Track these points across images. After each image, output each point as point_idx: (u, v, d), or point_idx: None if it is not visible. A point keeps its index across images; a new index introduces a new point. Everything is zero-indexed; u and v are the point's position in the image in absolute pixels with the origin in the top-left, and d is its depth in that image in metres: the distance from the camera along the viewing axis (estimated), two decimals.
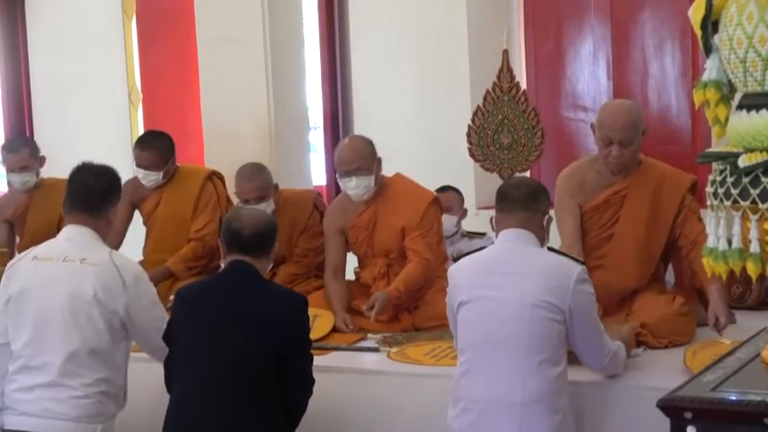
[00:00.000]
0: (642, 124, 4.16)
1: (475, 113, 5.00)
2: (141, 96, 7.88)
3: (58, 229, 3.81)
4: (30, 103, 8.15)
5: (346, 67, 7.46)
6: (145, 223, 5.44)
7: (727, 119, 2.80)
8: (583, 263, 3.44)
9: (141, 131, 7.38)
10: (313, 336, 3.71)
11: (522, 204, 3.40)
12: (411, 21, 7.00)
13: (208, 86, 6.38)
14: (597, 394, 3.53)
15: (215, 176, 5.40)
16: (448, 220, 5.29)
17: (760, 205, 2.64)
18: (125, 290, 3.54)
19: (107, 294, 3.52)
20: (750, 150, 2.68)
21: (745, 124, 2.71)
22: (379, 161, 4.64)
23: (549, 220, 3.50)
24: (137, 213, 5.45)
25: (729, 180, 2.69)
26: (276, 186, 5.00)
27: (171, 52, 7.61)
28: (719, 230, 2.74)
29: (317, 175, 7.32)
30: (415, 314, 4.60)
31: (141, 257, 5.26)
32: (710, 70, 2.82)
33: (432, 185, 5.06)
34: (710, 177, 2.79)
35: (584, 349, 3.39)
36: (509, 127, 4.93)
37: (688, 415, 2.57)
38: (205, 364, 3.37)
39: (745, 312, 4.41)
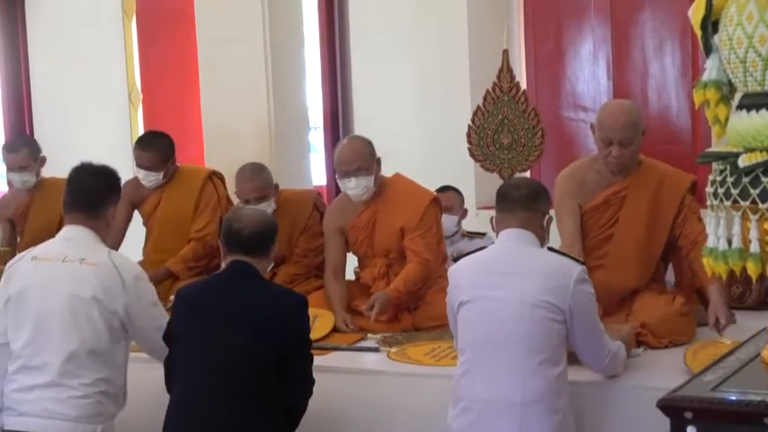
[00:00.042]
0: (642, 124, 4.16)
1: (475, 113, 4.99)
2: (141, 96, 7.88)
3: (59, 229, 3.80)
4: (30, 103, 8.14)
5: (346, 66, 7.45)
6: (145, 223, 5.44)
7: (727, 119, 2.80)
8: (583, 263, 3.44)
9: (141, 131, 7.39)
10: (313, 336, 3.71)
11: (522, 204, 3.40)
12: (411, 21, 6.99)
13: (208, 86, 6.38)
14: (597, 394, 3.52)
15: (215, 176, 5.40)
16: (448, 220, 5.28)
17: (760, 205, 2.64)
18: (124, 290, 3.54)
19: (106, 294, 3.52)
20: (750, 150, 2.68)
21: (745, 124, 2.71)
22: (378, 161, 4.64)
23: (550, 220, 3.50)
24: (137, 213, 5.45)
25: (729, 180, 2.69)
26: (276, 186, 5.00)
27: (171, 52, 7.61)
28: (719, 230, 2.74)
29: (317, 175, 7.31)
30: (415, 314, 4.60)
31: (141, 257, 5.26)
32: (710, 70, 2.82)
33: (432, 185, 5.05)
34: (710, 177, 2.79)
35: (584, 349, 3.40)
36: (509, 127, 4.93)
37: (688, 415, 2.57)
38: (205, 364, 3.37)
39: (745, 312, 4.41)
